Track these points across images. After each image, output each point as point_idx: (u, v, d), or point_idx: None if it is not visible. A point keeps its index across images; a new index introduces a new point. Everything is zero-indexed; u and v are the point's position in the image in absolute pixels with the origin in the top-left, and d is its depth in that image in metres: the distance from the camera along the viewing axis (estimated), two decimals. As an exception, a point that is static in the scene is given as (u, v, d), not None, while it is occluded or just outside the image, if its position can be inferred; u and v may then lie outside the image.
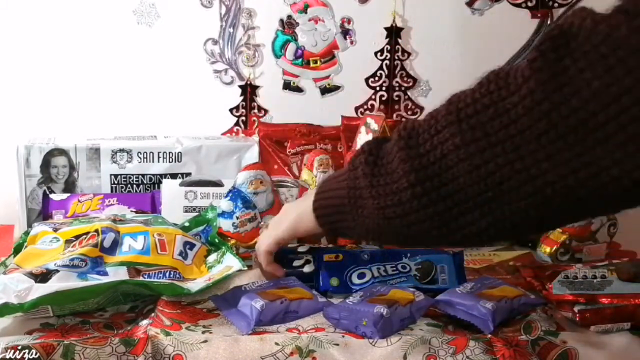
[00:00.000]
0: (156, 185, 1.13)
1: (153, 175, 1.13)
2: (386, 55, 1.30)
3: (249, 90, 1.30)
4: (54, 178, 1.10)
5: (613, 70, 0.47)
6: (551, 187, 0.51)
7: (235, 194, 0.97)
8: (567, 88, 0.49)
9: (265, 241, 0.82)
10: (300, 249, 0.89)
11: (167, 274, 0.85)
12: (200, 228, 1.00)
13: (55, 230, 0.89)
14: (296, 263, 0.88)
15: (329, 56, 1.31)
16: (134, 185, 1.13)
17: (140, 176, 1.13)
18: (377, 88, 1.32)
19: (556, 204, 0.52)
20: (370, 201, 0.63)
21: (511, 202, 0.53)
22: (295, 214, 0.76)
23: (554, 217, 0.55)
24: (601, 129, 0.47)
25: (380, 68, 1.31)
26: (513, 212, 0.54)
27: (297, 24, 1.29)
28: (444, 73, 1.31)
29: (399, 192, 0.59)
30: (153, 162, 1.13)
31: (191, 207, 1.06)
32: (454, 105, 0.56)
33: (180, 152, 1.14)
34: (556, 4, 1.29)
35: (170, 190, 1.07)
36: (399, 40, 1.30)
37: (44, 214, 1.06)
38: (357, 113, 1.32)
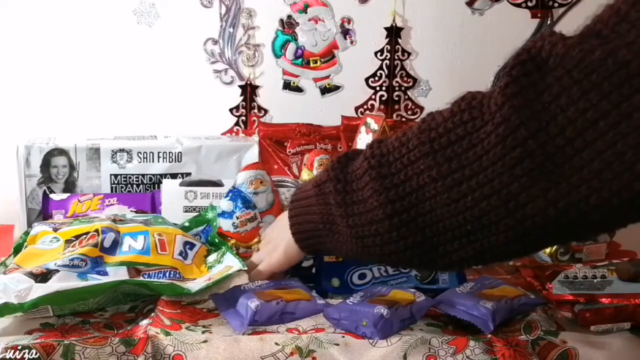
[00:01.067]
0: (156, 185, 1.13)
1: (153, 175, 1.13)
2: (386, 55, 1.30)
3: (249, 90, 1.30)
4: (54, 178, 1.10)
5: (588, 95, 0.46)
6: (530, 219, 0.50)
7: (235, 194, 0.97)
8: (544, 114, 0.48)
9: (260, 275, 0.83)
10: None
11: (167, 274, 0.85)
12: (200, 228, 1.00)
13: (55, 230, 0.89)
14: (305, 264, 0.88)
15: (329, 56, 1.31)
16: (134, 185, 1.13)
17: (140, 176, 1.13)
18: (377, 88, 1.32)
19: (537, 234, 0.51)
20: (346, 230, 0.62)
21: (491, 234, 0.52)
22: (284, 246, 0.77)
23: (536, 245, 0.55)
24: (578, 156, 0.47)
25: (380, 68, 1.31)
26: (492, 244, 0.53)
27: (297, 23, 1.29)
28: (444, 73, 1.31)
29: (376, 223, 0.58)
30: (153, 162, 1.13)
31: (191, 207, 1.06)
32: (426, 134, 0.55)
33: (180, 152, 1.14)
34: (556, 4, 1.29)
35: (170, 190, 1.07)
36: (399, 40, 1.30)
37: (44, 214, 1.06)
38: (357, 113, 1.32)
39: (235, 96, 1.30)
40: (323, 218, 0.65)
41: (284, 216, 0.77)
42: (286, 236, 0.75)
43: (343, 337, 0.73)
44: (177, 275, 0.86)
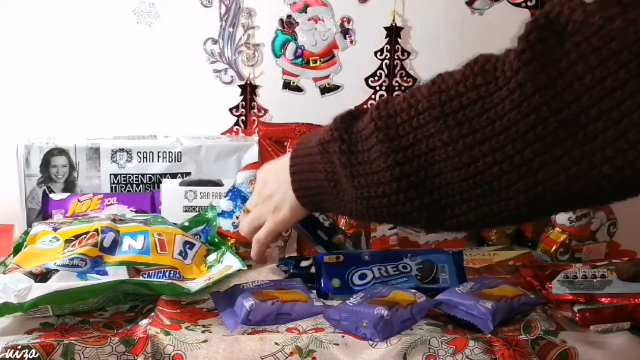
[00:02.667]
0: (156, 185, 1.13)
1: (153, 175, 1.13)
2: (386, 55, 1.30)
3: (249, 90, 1.30)
4: (54, 178, 1.10)
5: (607, 64, 0.45)
6: (542, 185, 0.50)
7: (235, 193, 0.97)
8: (560, 81, 0.47)
9: (268, 235, 0.77)
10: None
11: (167, 274, 0.85)
12: (200, 228, 1.00)
13: (55, 230, 0.89)
14: (304, 264, 0.89)
15: (329, 56, 1.31)
16: (134, 185, 1.13)
17: (140, 176, 1.13)
18: (377, 88, 1.32)
19: (547, 200, 0.51)
20: (352, 191, 0.61)
21: (501, 199, 0.52)
22: (289, 204, 0.72)
23: (545, 210, 0.54)
24: (592, 125, 0.46)
25: (380, 68, 1.31)
26: (502, 208, 0.53)
27: (297, 23, 1.29)
28: (444, 73, 1.31)
29: (383, 185, 0.58)
30: (153, 162, 1.13)
31: (191, 207, 1.06)
32: (436, 97, 0.54)
33: (180, 152, 1.14)
34: (556, 4, 1.29)
35: (170, 190, 1.07)
36: (399, 40, 1.30)
37: (44, 214, 1.06)
38: (357, 113, 1.32)
39: (235, 96, 1.30)
40: (328, 176, 0.64)
41: (281, 170, 0.72)
42: (288, 194, 0.72)
43: (343, 337, 0.73)
44: (177, 275, 0.86)
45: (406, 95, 0.57)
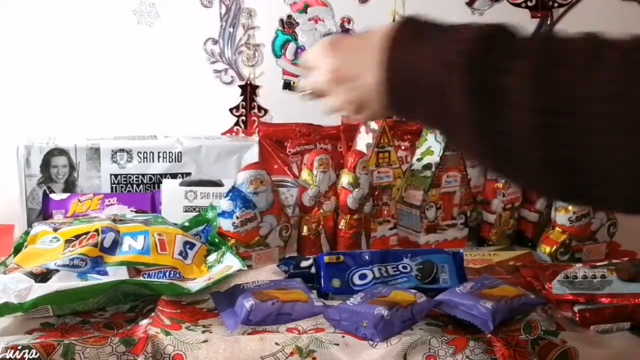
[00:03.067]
0: (156, 185, 1.13)
1: (153, 175, 1.13)
2: (386, 55, 1.30)
3: (249, 90, 1.30)
4: (54, 178, 1.10)
5: None
6: None
7: (235, 193, 0.97)
8: None
9: (367, 117, 0.67)
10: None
11: (167, 274, 0.85)
12: (200, 228, 1.00)
13: (55, 230, 0.89)
14: (304, 263, 0.90)
15: (329, 56, 1.31)
16: (134, 185, 1.13)
17: (140, 176, 1.13)
18: (377, 88, 1.32)
19: None
20: (475, 144, 0.49)
21: None
22: (375, 109, 0.61)
23: None
24: None
25: (380, 68, 1.31)
26: None
27: (297, 23, 1.29)
28: (444, 73, 1.31)
29: (520, 159, 0.46)
30: (153, 162, 1.13)
31: (191, 207, 1.06)
32: (625, 72, 0.42)
33: (180, 152, 1.14)
34: (556, 4, 1.29)
35: (170, 190, 1.07)
36: (399, 40, 1.30)
37: (44, 214, 1.06)
38: (357, 113, 1.32)
39: (235, 96, 1.30)
40: (440, 113, 0.51)
41: (368, 66, 0.58)
42: (374, 98, 0.59)
43: (343, 337, 0.73)
44: (177, 275, 0.86)
45: (578, 64, 0.45)
